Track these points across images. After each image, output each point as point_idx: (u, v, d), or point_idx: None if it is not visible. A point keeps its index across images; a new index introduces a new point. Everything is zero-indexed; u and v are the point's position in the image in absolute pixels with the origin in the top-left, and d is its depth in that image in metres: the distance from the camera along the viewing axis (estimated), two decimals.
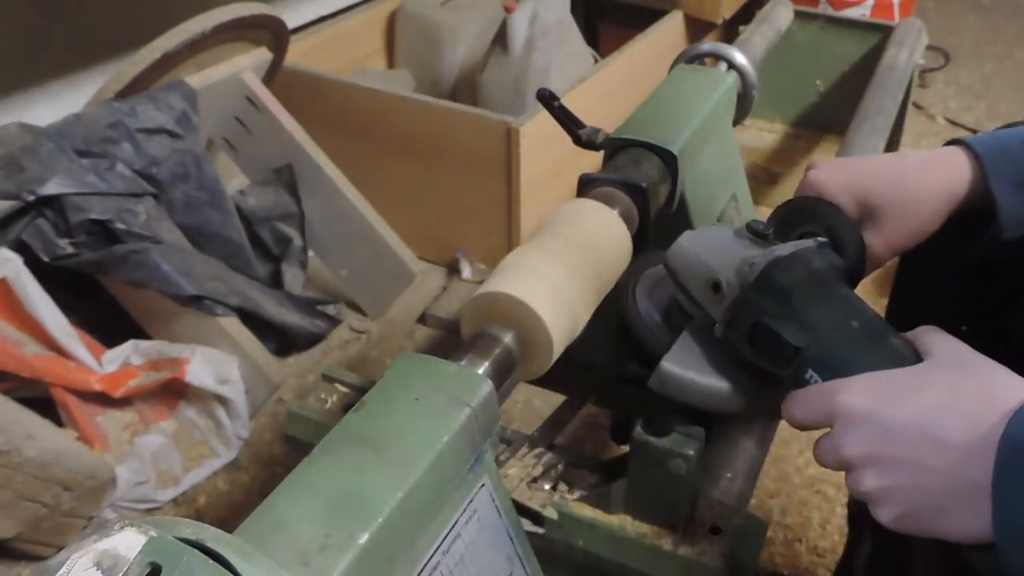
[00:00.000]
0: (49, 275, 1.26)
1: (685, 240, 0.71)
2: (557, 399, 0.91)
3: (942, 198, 0.72)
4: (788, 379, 0.62)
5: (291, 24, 1.70)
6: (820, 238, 0.67)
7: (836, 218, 0.73)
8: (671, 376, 0.68)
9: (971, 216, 0.73)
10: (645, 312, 0.76)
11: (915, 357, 0.58)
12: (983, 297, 0.82)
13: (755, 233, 0.68)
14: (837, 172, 0.75)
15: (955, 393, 0.52)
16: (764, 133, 2.16)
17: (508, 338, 0.65)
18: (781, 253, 0.64)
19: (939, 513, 0.51)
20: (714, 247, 0.68)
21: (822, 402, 0.57)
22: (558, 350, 0.68)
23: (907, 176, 0.73)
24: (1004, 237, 0.71)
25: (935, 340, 0.58)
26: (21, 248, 1.25)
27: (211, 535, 0.43)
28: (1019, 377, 0.54)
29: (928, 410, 0.52)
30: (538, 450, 0.80)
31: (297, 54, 1.78)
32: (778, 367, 0.63)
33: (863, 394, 0.55)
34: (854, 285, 0.70)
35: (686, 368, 0.68)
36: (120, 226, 1.28)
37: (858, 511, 1.10)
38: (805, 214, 0.75)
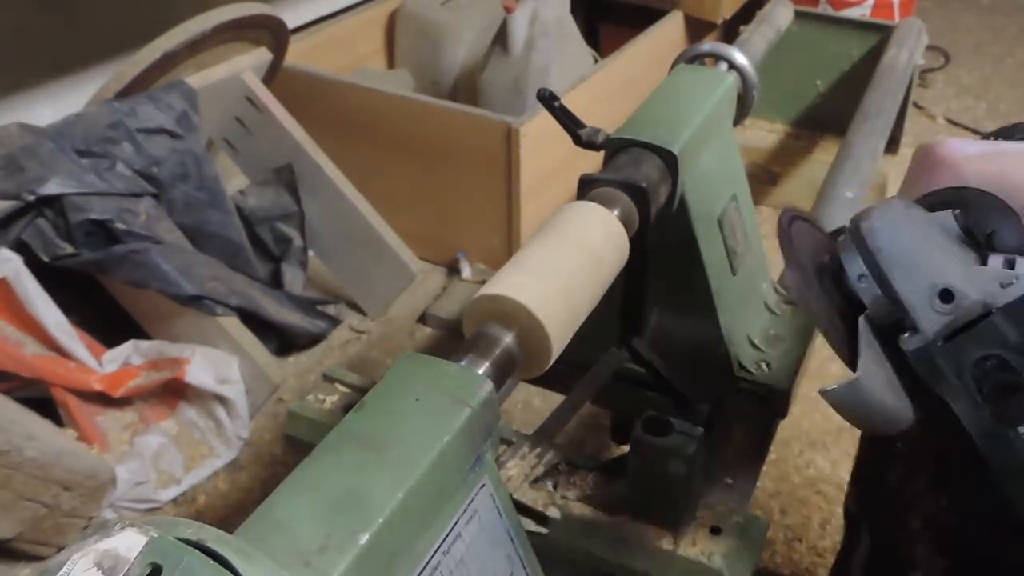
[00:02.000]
0: (49, 275, 1.26)
1: (893, 219, 0.58)
2: (557, 399, 0.91)
3: None
4: (1016, 438, 0.53)
5: (291, 24, 1.71)
6: None
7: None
8: (861, 394, 0.56)
9: None
10: (801, 275, 0.62)
11: None
12: None
13: (968, 232, 0.58)
14: (982, 162, 0.63)
15: None
16: (764, 133, 2.16)
17: (508, 338, 0.65)
18: None
19: None
20: (929, 239, 0.57)
21: None
22: (557, 350, 0.68)
23: None
24: None
25: None
26: (21, 248, 1.25)
27: (212, 535, 0.43)
28: None
29: None
30: (538, 450, 0.80)
31: (297, 54, 1.78)
32: (1004, 417, 0.53)
33: None
34: None
35: (878, 385, 0.56)
36: (120, 226, 1.28)
37: (856, 509, 1.09)
38: (964, 208, 0.62)
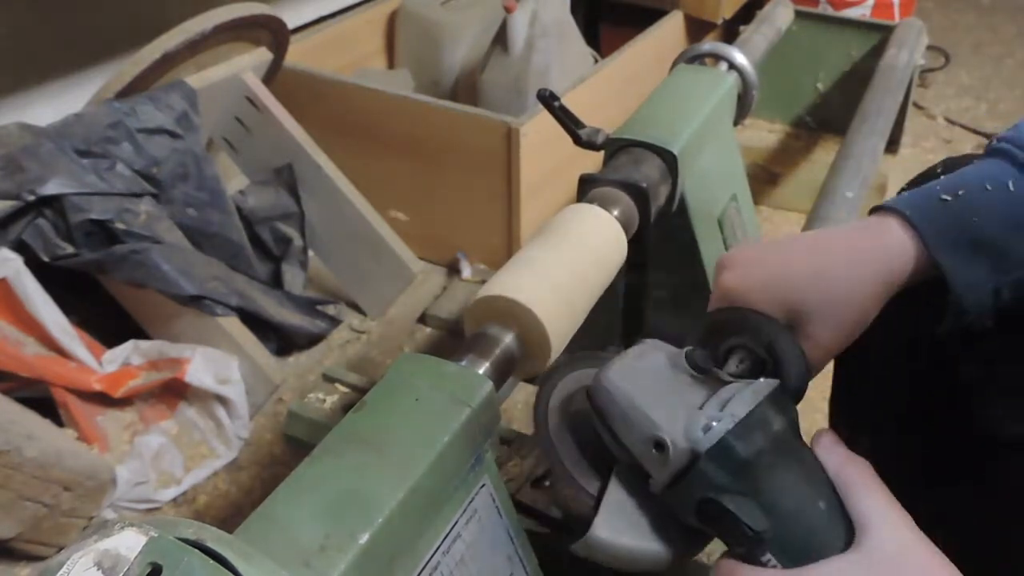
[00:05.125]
0: (49, 275, 1.26)
1: (615, 376, 0.61)
2: None
3: (876, 285, 0.63)
4: (739, 556, 0.56)
5: (291, 24, 1.70)
6: (771, 379, 0.60)
7: (776, 335, 0.63)
8: (603, 545, 0.60)
9: (924, 288, 0.65)
10: (557, 439, 0.67)
11: None
12: (936, 382, 0.74)
13: (696, 368, 0.60)
14: (754, 276, 0.66)
15: None
16: (764, 133, 2.16)
17: (508, 338, 0.65)
18: (738, 413, 0.56)
19: None
20: (651, 389, 0.60)
21: None
22: (557, 349, 0.68)
23: (832, 269, 0.64)
24: (964, 305, 0.62)
25: (875, 518, 0.53)
26: (21, 248, 1.24)
27: (211, 535, 0.43)
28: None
29: None
30: (538, 450, 0.80)
31: (297, 54, 1.78)
32: (730, 544, 0.56)
33: None
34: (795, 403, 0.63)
35: (619, 534, 0.60)
36: (120, 226, 1.28)
37: None
38: (735, 327, 0.66)
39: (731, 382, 0.59)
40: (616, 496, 0.61)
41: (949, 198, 0.63)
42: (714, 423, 0.56)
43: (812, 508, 0.55)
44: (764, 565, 0.54)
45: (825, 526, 0.54)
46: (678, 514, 0.59)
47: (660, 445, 0.57)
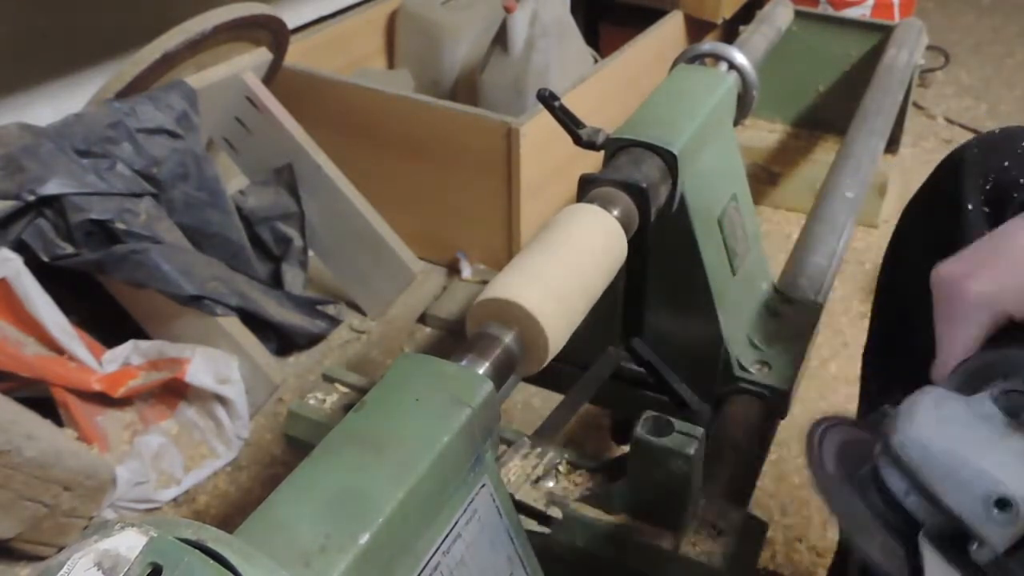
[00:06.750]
0: (49, 275, 1.26)
1: (926, 431, 0.52)
2: (557, 399, 0.91)
3: None
4: None
5: (291, 24, 1.71)
6: None
7: None
8: None
9: None
10: (836, 489, 0.57)
11: None
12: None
13: (1012, 413, 0.51)
14: (1003, 283, 0.55)
15: None
16: (764, 133, 2.16)
17: (508, 338, 0.65)
18: None
19: None
20: (971, 441, 0.51)
21: None
22: (555, 348, 0.68)
23: None
24: None
25: None
26: (21, 248, 1.25)
27: (212, 535, 0.43)
28: None
29: None
30: (538, 450, 0.80)
31: (297, 54, 1.78)
32: None
33: None
34: None
35: None
36: (120, 226, 1.28)
37: None
38: (1006, 367, 0.55)
39: None
40: (936, 567, 0.51)
41: None
42: None
43: None
44: None
45: None
46: None
47: (1003, 503, 0.48)
